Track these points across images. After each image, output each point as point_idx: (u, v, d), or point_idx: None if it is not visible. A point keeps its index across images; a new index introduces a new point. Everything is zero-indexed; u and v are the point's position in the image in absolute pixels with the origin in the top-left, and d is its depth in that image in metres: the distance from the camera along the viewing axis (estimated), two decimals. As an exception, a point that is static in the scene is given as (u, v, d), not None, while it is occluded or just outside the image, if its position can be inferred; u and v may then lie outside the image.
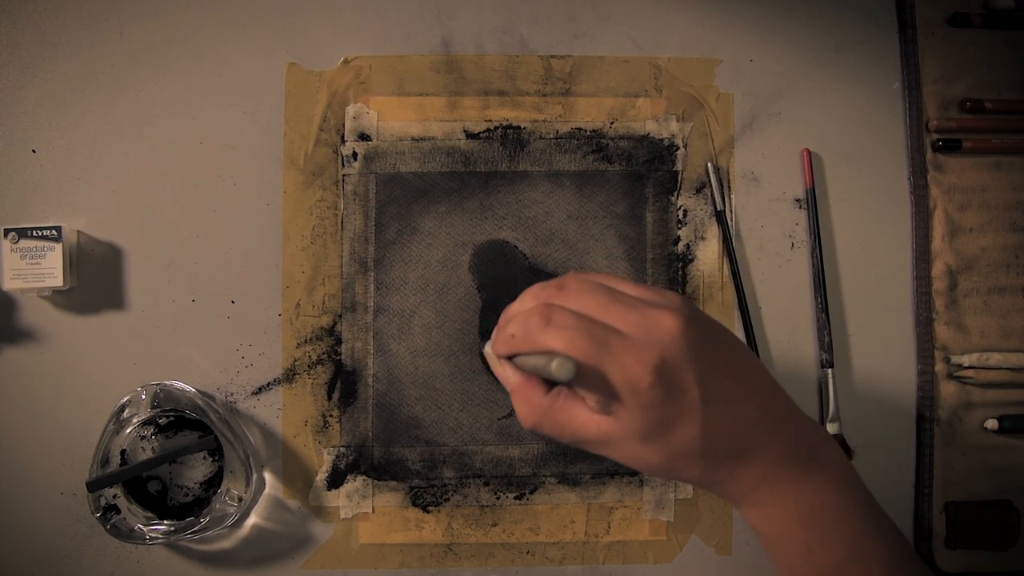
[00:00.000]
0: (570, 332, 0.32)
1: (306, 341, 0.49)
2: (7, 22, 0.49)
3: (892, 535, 0.36)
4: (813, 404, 0.50)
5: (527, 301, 0.36)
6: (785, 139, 0.51)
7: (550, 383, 0.35)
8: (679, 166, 0.50)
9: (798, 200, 0.51)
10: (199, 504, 0.47)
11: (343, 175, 0.49)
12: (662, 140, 0.50)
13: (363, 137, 0.50)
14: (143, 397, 0.45)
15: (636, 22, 0.51)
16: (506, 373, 0.37)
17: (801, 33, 0.51)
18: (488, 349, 0.39)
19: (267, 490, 0.48)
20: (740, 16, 0.51)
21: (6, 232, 0.46)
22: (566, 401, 0.34)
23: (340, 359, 0.49)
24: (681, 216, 0.50)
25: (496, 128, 0.50)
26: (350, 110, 0.50)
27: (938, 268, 0.50)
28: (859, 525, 0.35)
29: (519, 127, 0.50)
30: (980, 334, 0.50)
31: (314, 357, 0.49)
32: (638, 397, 0.32)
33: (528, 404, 0.35)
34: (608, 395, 0.32)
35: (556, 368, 0.30)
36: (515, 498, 0.49)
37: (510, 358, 0.36)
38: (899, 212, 0.51)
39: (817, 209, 0.50)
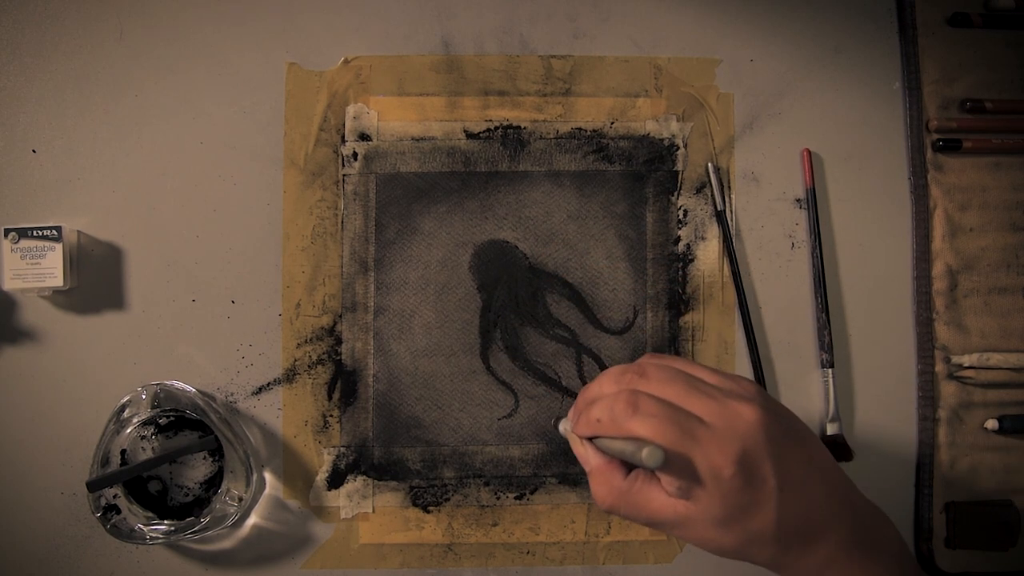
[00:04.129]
0: (657, 420, 0.34)
1: (306, 341, 0.49)
2: (7, 22, 0.49)
3: None
4: (813, 404, 0.50)
5: (607, 385, 0.37)
6: (785, 139, 0.51)
7: (628, 465, 0.37)
8: (679, 166, 0.50)
9: (798, 200, 0.51)
10: (199, 504, 0.47)
11: (343, 175, 0.49)
12: (662, 140, 0.50)
13: (363, 137, 0.50)
14: (143, 397, 0.45)
15: (636, 22, 0.51)
16: (587, 454, 0.38)
17: (801, 33, 0.51)
18: (565, 427, 0.40)
19: (267, 490, 0.48)
20: (740, 16, 0.51)
21: (6, 232, 0.46)
22: (644, 485, 0.36)
23: (340, 359, 0.49)
24: (681, 216, 0.50)
25: (496, 128, 0.50)
26: (350, 110, 0.50)
27: (938, 268, 0.50)
28: None
29: (519, 127, 0.50)
30: (980, 334, 0.50)
31: (314, 357, 0.49)
32: (720, 485, 0.33)
33: (607, 486, 0.37)
34: (691, 481, 0.34)
35: (647, 456, 0.32)
36: (515, 498, 0.49)
37: (590, 438, 0.37)
38: (899, 212, 0.51)
39: (817, 209, 0.50)
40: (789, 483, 0.34)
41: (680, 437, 0.33)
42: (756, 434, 0.34)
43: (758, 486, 0.34)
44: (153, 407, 0.45)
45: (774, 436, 0.34)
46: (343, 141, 0.49)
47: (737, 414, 0.34)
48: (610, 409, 0.35)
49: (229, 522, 0.45)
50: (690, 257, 0.50)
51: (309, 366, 0.49)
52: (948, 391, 0.49)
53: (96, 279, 0.48)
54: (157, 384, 0.46)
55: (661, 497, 0.35)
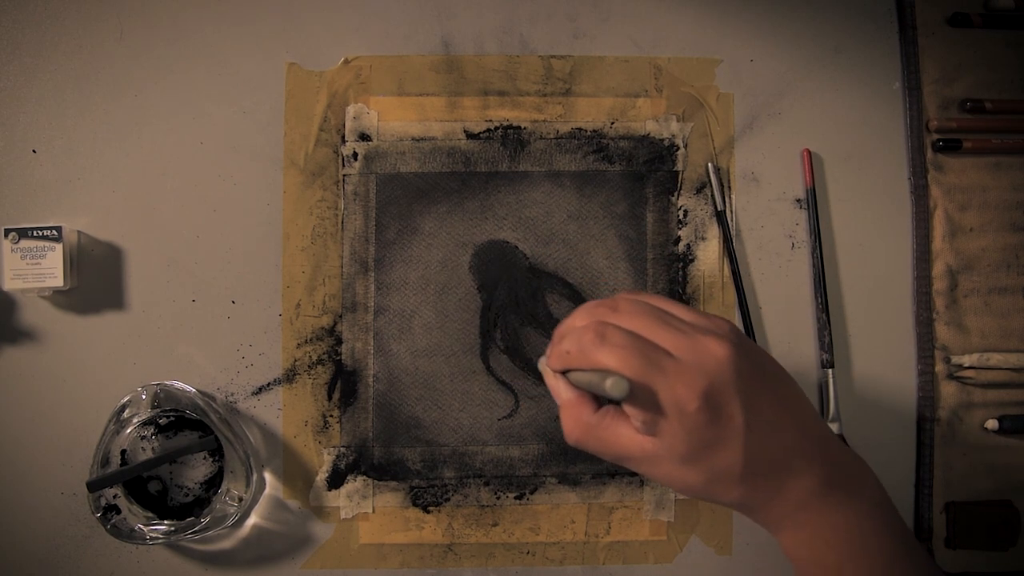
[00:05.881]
0: (623, 351, 0.33)
1: (306, 341, 0.49)
2: (7, 22, 0.49)
3: (922, 561, 0.36)
4: (813, 404, 0.50)
5: (580, 319, 0.37)
6: (785, 139, 0.51)
7: (599, 401, 0.36)
8: (679, 166, 0.50)
9: (798, 200, 0.51)
10: (199, 504, 0.47)
11: (343, 175, 0.49)
12: (662, 140, 0.50)
13: (363, 137, 0.50)
14: (143, 397, 0.45)
15: (636, 22, 0.51)
16: (559, 387, 0.37)
17: (801, 33, 0.51)
18: (543, 363, 0.39)
19: (267, 490, 0.48)
20: (740, 16, 0.51)
21: (6, 232, 0.46)
22: (613, 420, 0.35)
23: (340, 359, 0.49)
24: (681, 216, 0.50)
25: (496, 128, 0.50)
26: (350, 110, 0.50)
27: (938, 268, 0.50)
28: (890, 550, 0.35)
29: (519, 127, 0.50)
30: (980, 334, 0.50)
31: (314, 357, 0.49)
32: (684, 420, 0.33)
33: (575, 420, 0.36)
34: (655, 414, 0.33)
35: (611, 386, 0.31)
36: (515, 498, 0.49)
37: (563, 373, 0.37)
38: (899, 212, 0.51)
39: (817, 209, 0.50)
40: (758, 422, 0.33)
41: (646, 368, 0.32)
42: (724, 370, 0.33)
43: (724, 423, 0.33)
44: (153, 407, 0.45)
45: (744, 373, 0.33)
46: (343, 141, 0.49)
47: (706, 349, 0.33)
48: (579, 341, 0.35)
49: (229, 522, 0.45)
50: (690, 257, 0.50)
51: (309, 366, 0.49)
52: (948, 391, 0.49)
53: (96, 279, 0.48)
54: (157, 384, 0.46)
55: (629, 433, 0.35)
